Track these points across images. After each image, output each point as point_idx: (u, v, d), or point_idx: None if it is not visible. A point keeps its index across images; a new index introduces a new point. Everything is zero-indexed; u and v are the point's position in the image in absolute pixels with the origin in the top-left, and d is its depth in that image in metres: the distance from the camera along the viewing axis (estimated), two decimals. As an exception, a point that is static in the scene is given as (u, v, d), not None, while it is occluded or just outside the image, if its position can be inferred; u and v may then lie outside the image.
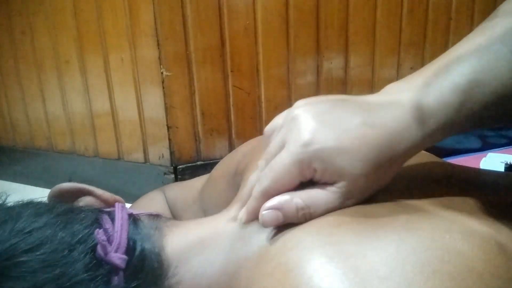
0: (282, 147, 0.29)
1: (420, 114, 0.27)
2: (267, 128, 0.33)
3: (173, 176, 0.90)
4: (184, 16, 0.83)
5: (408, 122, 0.27)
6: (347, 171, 0.27)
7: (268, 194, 0.30)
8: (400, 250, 0.24)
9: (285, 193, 0.29)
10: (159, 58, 0.84)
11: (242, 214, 0.32)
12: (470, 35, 0.29)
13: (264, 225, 0.30)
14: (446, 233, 0.25)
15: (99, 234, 0.31)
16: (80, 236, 0.31)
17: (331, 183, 0.28)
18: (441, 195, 0.32)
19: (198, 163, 0.91)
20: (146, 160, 0.94)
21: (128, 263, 0.31)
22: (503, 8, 0.30)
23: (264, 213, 0.29)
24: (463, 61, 0.28)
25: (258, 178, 0.31)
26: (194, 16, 0.84)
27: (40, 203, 0.34)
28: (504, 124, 0.30)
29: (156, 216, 0.38)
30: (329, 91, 0.97)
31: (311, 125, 0.28)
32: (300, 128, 0.28)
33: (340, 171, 0.27)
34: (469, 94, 0.27)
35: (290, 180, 0.29)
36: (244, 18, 0.87)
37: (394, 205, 0.30)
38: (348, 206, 0.29)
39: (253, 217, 0.31)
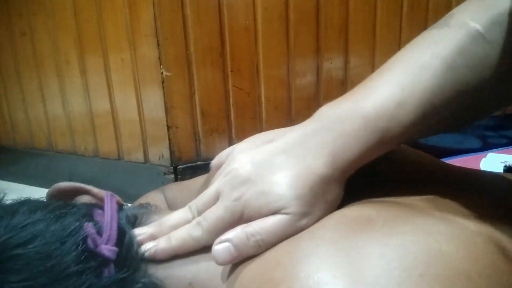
0: (217, 198, 0.32)
1: (345, 139, 0.30)
2: (214, 163, 0.37)
3: (173, 176, 0.90)
4: (184, 16, 0.83)
5: (329, 148, 0.30)
6: (277, 203, 0.30)
7: (200, 243, 0.33)
8: (384, 255, 0.24)
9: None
10: (159, 58, 0.84)
11: (155, 247, 0.34)
12: (415, 45, 0.31)
13: (218, 262, 0.30)
14: (429, 235, 0.25)
15: (88, 227, 0.31)
16: (71, 228, 0.31)
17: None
18: (432, 194, 0.32)
19: (198, 163, 0.91)
20: (146, 160, 0.94)
21: (118, 254, 0.32)
22: (455, 16, 0.30)
23: (215, 248, 0.30)
24: (394, 82, 0.29)
25: (186, 219, 0.34)
26: (194, 16, 0.84)
27: (36, 200, 0.34)
28: (447, 132, 0.33)
29: (144, 205, 0.39)
30: (329, 91, 0.97)
31: (241, 180, 0.31)
32: (232, 183, 0.31)
33: (271, 205, 0.30)
34: (394, 116, 0.29)
35: (224, 230, 0.31)
36: (244, 18, 0.87)
37: (373, 207, 0.30)
38: (308, 225, 0.30)
39: (164, 258, 0.33)
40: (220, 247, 0.30)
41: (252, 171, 0.31)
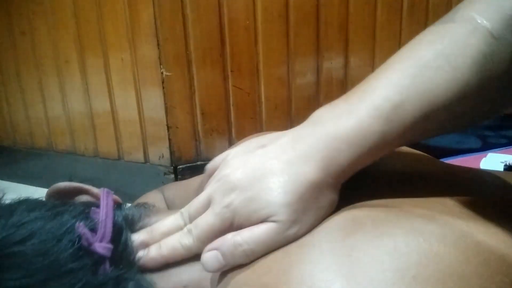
0: (208, 204, 0.32)
1: (339, 143, 0.29)
2: (209, 167, 0.36)
3: (173, 176, 0.90)
4: (184, 16, 0.83)
5: (322, 153, 0.29)
6: (265, 210, 0.29)
7: (191, 251, 0.32)
8: (376, 258, 0.24)
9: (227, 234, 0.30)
10: (159, 58, 0.84)
11: (145, 256, 0.33)
12: (418, 41, 0.29)
13: (207, 269, 0.30)
14: (420, 236, 0.25)
15: (80, 227, 0.31)
16: (67, 226, 0.31)
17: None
18: (427, 194, 0.32)
19: (198, 163, 0.91)
20: (146, 160, 0.94)
21: (114, 251, 0.32)
22: (461, 11, 0.29)
23: (204, 255, 0.30)
24: (391, 83, 0.28)
25: (177, 226, 0.34)
26: (194, 16, 0.84)
27: (34, 200, 0.34)
28: (448, 133, 0.31)
29: (142, 204, 0.38)
30: (329, 91, 0.97)
31: (231, 186, 0.30)
32: (223, 190, 0.31)
33: (259, 212, 0.29)
34: (390, 119, 0.27)
35: (215, 237, 0.31)
36: (244, 18, 0.87)
37: (367, 208, 0.29)
38: (298, 234, 0.29)
39: (154, 267, 0.33)
40: (209, 255, 0.30)
41: (242, 177, 0.30)
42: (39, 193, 0.36)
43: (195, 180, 0.63)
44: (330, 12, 0.93)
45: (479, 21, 0.27)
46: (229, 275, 0.30)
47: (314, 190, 0.29)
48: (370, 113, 0.28)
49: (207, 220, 0.31)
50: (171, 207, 0.65)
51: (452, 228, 0.26)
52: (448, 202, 0.30)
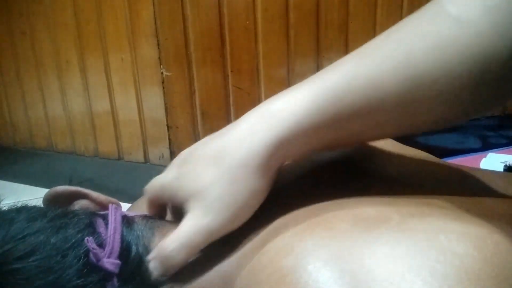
0: None
1: (268, 118, 0.29)
2: None
3: (173, 176, 0.90)
4: (184, 16, 0.83)
5: (248, 129, 0.29)
6: (179, 196, 0.31)
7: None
8: (395, 252, 0.24)
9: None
10: (159, 58, 0.84)
11: None
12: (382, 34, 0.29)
13: (157, 277, 0.31)
14: (441, 233, 0.25)
15: (89, 242, 0.30)
16: (73, 241, 0.30)
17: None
18: (438, 194, 0.32)
19: (198, 163, 0.91)
20: (146, 160, 0.94)
21: (122, 267, 0.31)
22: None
23: (150, 265, 0.31)
24: (337, 69, 0.29)
25: None
26: (194, 16, 0.84)
27: (34, 207, 0.33)
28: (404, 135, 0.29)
29: (150, 217, 0.37)
30: (329, 91, 0.97)
31: (162, 175, 0.34)
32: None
33: (176, 197, 0.32)
34: (323, 99, 0.28)
35: (153, 208, 0.37)
36: (244, 18, 0.87)
37: (388, 205, 0.29)
38: (214, 224, 0.29)
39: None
40: (153, 265, 0.31)
41: (178, 160, 0.35)
42: (39, 193, 0.35)
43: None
44: (330, 12, 0.93)
45: (444, 5, 0.26)
46: (251, 256, 0.29)
47: (232, 172, 0.29)
48: (303, 91, 0.29)
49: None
50: (171, 208, 0.65)
51: (473, 227, 0.26)
52: (467, 202, 0.30)
